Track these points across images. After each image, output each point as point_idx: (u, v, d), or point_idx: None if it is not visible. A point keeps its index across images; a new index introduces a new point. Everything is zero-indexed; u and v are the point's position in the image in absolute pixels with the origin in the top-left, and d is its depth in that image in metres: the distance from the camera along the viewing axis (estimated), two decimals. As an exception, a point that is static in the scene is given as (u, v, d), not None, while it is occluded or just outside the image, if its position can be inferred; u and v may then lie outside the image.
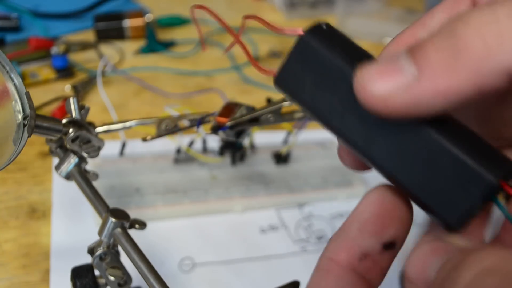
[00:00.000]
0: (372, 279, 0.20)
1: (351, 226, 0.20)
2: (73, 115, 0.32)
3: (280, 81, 0.21)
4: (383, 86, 0.17)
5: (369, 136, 0.19)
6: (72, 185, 0.32)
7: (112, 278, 0.29)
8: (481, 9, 0.17)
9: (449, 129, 0.18)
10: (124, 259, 0.29)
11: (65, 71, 0.58)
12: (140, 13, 0.67)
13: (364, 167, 0.22)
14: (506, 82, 0.17)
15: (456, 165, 0.18)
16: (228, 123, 0.36)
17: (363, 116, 0.19)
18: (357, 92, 0.18)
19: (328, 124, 0.20)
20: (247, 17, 0.23)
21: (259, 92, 0.60)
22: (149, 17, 0.66)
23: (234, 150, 0.45)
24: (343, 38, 0.21)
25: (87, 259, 0.29)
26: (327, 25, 0.21)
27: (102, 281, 0.30)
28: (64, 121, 0.31)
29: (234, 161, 0.46)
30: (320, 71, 0.20)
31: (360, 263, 0.19)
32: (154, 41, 0.66)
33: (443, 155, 0.18)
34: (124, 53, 0.64)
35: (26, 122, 0.26)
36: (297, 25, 0.76)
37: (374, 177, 0.50)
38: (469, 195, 0.18)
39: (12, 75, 0.26)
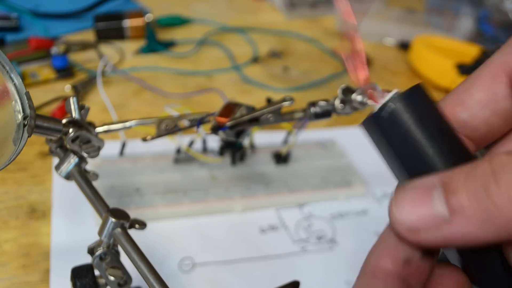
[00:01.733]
0: (414, 285, 0.21)
1: (390, 235, 0.21)
2: (73, 115, 0.31)
3: (366, 126, 0.22)
4: (413, 217, 0.19)
5: None
6: (72, 185, 0.32)
7: (112, 278, 0.29)
8: (510, 170, 0.18)
9: None
10: (124, 259, 0.29)
11: (65, 71, 0.58)
12: (140, 13, 0.67)
13: None
14: None
15: None
16: (228, 123, 0.36)
17: None
18: (391, 219, 0.20)
19: None
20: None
21: (259, 92, 0.60)
22: (149, 17, 0.66)
23: (234, 150, 0.45)
24: (424, 115, 0.21)
25: (87, 259, 0.29)
26: (418, 90, 0.21)
27: (102, 281, 0.30)
28: (64, 121, 0.31)
29: (234, 161, 0.46)
30: (389, 145, 0.21)
31: (404, 268, 0.21)
32: (154, 41, 0.66)
33: None
34: (124, 53, 0.64)
35: (26, 122, 0.26)
36: (297, 25, 0.77)
37: (374, 177, 0.50)
38: None
39: (12, 75, 0.26)
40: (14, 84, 0.26)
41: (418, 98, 0.21)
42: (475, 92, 0.22)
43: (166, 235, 0.40)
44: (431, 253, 0.21)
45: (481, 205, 0.18)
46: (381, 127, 0.21)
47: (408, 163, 0.21)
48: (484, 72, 0.23)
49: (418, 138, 0.20)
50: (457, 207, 0.18)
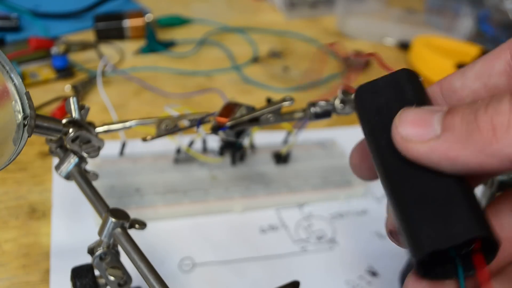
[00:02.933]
0: None
1: None
2: (73, 115, 0.32)
3: (357, 97, 0.25)
4: (409, 131, 0.21)
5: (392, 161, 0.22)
6: (72, 185, 0.32)
7: (112, 278, 0.29)
8: (500, 99, 0.19)
9: (439, 188, 0.20)
10: (124, 259, 0.29)
11: (65, 71, 0.58)
12: (140, 13, 0.67)
13: (372, 177, 0.26)
14: (509, 166, 0.19)
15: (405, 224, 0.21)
16: (228, 123, 0.36)
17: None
18: (392, 128, 0.21)
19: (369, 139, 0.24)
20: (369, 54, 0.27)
21: (259, 92, 0.60)
22: (149, 17, 0.66)
23: (234, 150, 0.45)
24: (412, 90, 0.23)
25: (87, 259, 0.29)
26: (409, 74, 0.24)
27: (102, 281, 0.30)
28: (64, 121, 0.31)
29: (234, 161, 0.46)
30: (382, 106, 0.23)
31: None
32: (154, 41, 0.66)
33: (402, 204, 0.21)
34: (124, 53, 0.64)
35: (26, 122, 0.26)
36: (297, 25, 0.77)
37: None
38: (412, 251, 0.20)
39: (12, 75, 0.26)
40: (14, 84, 0.26)
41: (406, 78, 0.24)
42: (476, 64, 0.24)
43: (166, 235, 0.40)
44: None
45: (468, 126, 0.19)
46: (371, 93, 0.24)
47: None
48: (494, 49, 0.23)
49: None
50: (449, 124, 0.20)
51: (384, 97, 0.23)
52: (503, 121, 0.18)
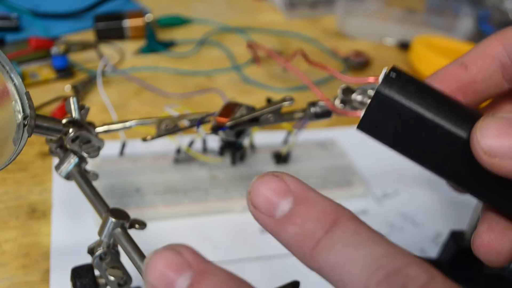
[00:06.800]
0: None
1: None
2: (73, 115, 0.31)
3: (363, 128, 0.23)
4: (494, 142, 0.19)
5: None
6: (72, 185, 0.32)
7: (112, 278, 0.29)
8: None
9: None
10: (124, 259, 0.29)
11: (65, 71, 0.58)
12: (140, 13, 0.67)
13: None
14: None
15: None
16: (228, 123, 0.36)
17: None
18: (472, 145, 0.20)
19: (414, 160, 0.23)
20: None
21: (259, 92, 0.60)
22: (149, 17, 0.66)
23: (234, 150, 0.45)
24: (416, 86, 0.22)
25: (87, 259, 0.29)
26: (397, 71, 0.23)
27: (102, 281, 0.30)
28: (64, 121, 0.31)
29: (234, 161, 0.46)
30: (402, 121, 0.22)
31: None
32: (154, 41, 0.66)
33: None
34: (124, 53, 0.64)
35: (26, 122, 0.26)
36: (297, 25, 0.77)
37: (374, 177, 0.49)
38: None
39: (12, 75, 0.26)
40: (14, 84, 0.26)
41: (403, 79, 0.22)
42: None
43: (166, 235, 0.40)
44: None
45: None
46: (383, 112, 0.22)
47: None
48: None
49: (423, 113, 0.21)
50: None
51: (401, 118, 0.22)
52: None
